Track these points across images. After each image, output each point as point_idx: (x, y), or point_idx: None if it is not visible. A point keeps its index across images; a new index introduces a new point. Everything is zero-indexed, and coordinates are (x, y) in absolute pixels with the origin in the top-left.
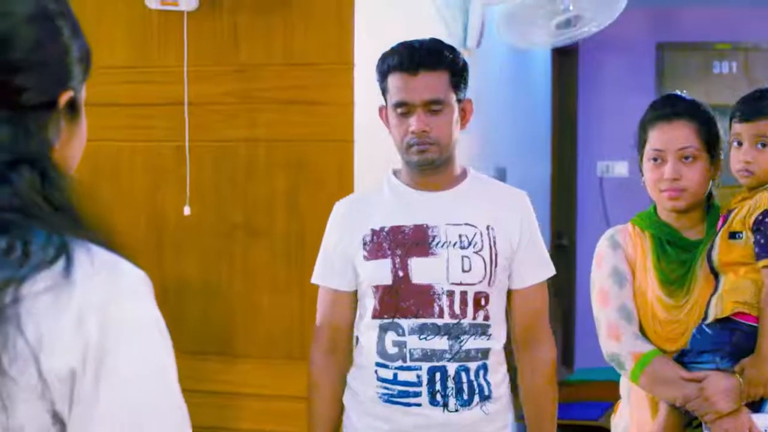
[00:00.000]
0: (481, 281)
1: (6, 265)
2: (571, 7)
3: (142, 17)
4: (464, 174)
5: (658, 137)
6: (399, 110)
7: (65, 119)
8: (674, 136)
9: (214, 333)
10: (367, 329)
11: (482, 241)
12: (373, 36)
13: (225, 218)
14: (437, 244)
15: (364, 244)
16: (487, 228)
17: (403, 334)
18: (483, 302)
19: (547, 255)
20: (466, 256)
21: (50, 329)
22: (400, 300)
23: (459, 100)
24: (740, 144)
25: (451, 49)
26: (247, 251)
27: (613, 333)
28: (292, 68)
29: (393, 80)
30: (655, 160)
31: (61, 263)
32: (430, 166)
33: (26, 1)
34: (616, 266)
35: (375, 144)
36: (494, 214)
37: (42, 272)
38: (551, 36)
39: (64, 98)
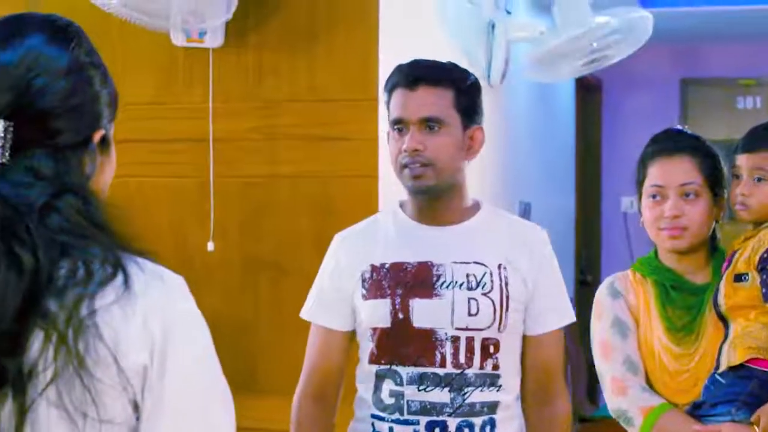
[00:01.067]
0: (489, 326)
1: (74, 284)
2: (594, 44)
3: (168, 54)
4: (477, 207)
5: (657, 173)
6: (395, 127)
7: (99, 153)
8: (675, 171)
9: (239, 369)
10: (364, 376)
11: (492, 281)
12: None
13: (249, 254)
14: (442, 284)
15: (363, 281)
16: (499, 267)
17: (401, 384)
18: (492, 350)
19: (568, 300)
20: (474, 298)
21: (123, 334)
22: (399, 345)
23: (466, 126)
24: (739, 177)
25: (462, 70)
26: (271, 287)
27: (618, 387)
28: (316, 104)
29: (393, 97)
30: (654, 197)
31: (120, 277)
32: (428, 194)
33: (62, 57)
34: (618, 316)
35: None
36: (508, 252)
37: (107, 287)
38: (576, 71)
39: (97, 136)
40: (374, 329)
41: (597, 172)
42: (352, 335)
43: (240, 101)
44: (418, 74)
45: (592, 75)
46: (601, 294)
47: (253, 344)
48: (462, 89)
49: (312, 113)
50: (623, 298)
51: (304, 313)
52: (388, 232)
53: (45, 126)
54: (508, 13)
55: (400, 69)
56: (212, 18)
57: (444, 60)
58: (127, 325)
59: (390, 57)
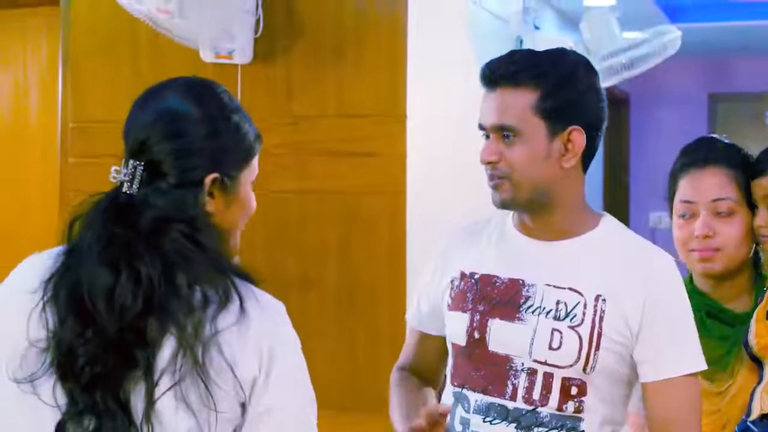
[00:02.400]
0: (571, 365)
1: (198, 305)
2: (623, 61)
3: (197, 70)
4: (595, 222)
5: (687, 187)
6: (481, 134)
7: (217, 192)
8: (706, 186)
9: None
10: (446, 396)
11: (584, 314)
12: (425, 87)
13: (277, 269)
14: (528, 308)
15: (451, 288)
16: (596, 299)
17: (469, 411)
18: (574, 391)
19: (694, 344)
20: (558, 330)
21: (238, 350)
22: (471, 368)
23: (555, 130)
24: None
25: (557, 62)
26: (298, 302)
27: (636, 424)
28: (344, 120)
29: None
30: (683, 215)
31: (237, 303)
32: (511, 209)
33: (195, 118)
34: None
35: (428, 195)
36: (613, 281)
37: (228, 311)
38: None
39: (209, 179)
40: (453, 345)
41: (625, 188)
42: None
43: (268, 117)
44: (497, 71)
45: (620, 89)
46: None
47: None
48: (549, 87)
49: (340, 129)
50: None
51: (407, 314)
52: (491, 238)
53: (157, 169)
54: (537, 28)
55: (486, 66)
56: (241, 36)
57: (470, 75)
58: (243, 343)
59: (418, 73)
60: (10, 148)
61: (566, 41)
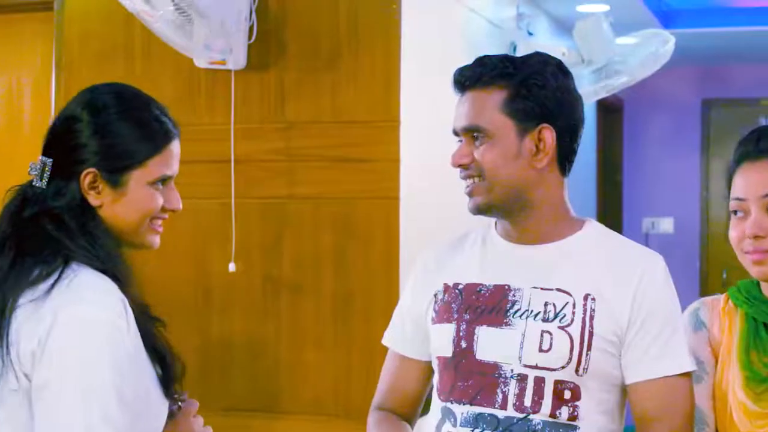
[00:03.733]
0: (563, 367)
1: (20, 282)
2: (617, 69)
3: (190, 76)
4: (578, 226)
5: (738, 182)
6: (456, 140)
7: (102, 187)
8: (757, 180)
9: (261, 390)
10: (433, 412)
11: (574, 314)
12: (419, 94)
13: (271, 275)
14: (516, 312)
15: (435, 302)
16: (585, 298)
17: (456, 425)
18: (568, 395)
19: (682, 346)
20: (548, 332)
21: (24, 323)
22: (458, 379)
23: (525, 129)
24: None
25: (524, 62)
26: (293, 308)
27: None
28: (338, 126)
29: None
30: (735, 213)
31: (50, 282)
32: (488, 213)
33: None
34: (695, 353)
35: (422, 201)
36: (601, 281)
37: (33, 288)
38: (591, 84)
39: (83, 174)
40: (438, 358)
41: (618, 193)
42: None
43: (262, 123)
44: (465, 76)
45: (613, 95)
46: (683, 322)
47: (274, 365)
48: (517, 86)
49: (334, 135)
50: (706, 330)
51: (384, 339)
52: (474, 248)
53: (54, 164)
54: (530, 34)
55: (456, 71)
56: (235, 42)
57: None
58: (31, 318)
59: (412, 79)
60: (3, 152)
61: (560, 47)
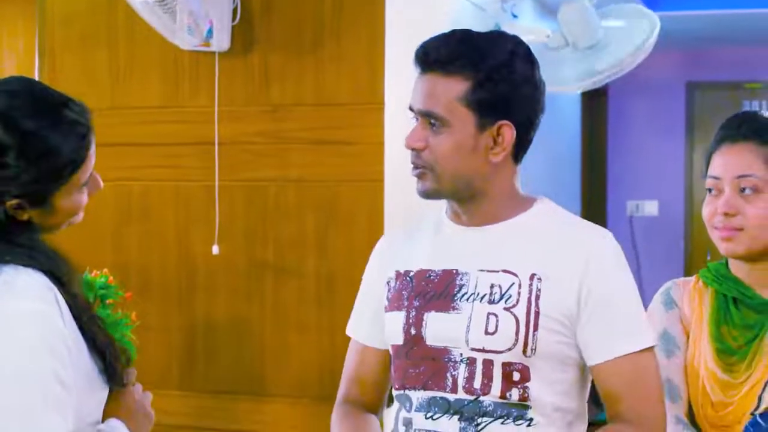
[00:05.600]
0: (510, 348)
1: None
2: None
3: (174, 58)
4: (528, 204)
5: (716, 162)
6: (411, 116)
7: (28, 208)
8: (733, 161)
9: (245, 373)
10: (394, 403)
11: (519, 294)
12: (403, 76)
13: (254, 258)
14: (463, 296)
15: (388, 290)
16: (531, 278)
17: (410, 410)
18: (516, 377)
19: (641, 321)
20: (494, 314)
21: None
22: (410, 365)
23: (484, 124)
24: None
25: (495, 49)
26: (276, 291)
27: None
28: (322, 108)
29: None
30: (710, 191)
31: None
32: (436, 199)
33: None
34: (667, 330)
35: (406, 184)
36: (547, 259)
37: None
38: (578, 80)
39: (9, 206)
40: (392, 347)
41: (603, 176)
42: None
43: (246, 105)
44: (429, 55)
45: None
46: (655, 302)
47: (258, 348)
48: (481, 79)
49: (318, 117)
50: (678, 309)
51: (347, 329)
52: (425, 234)
53: None
54: (515, 17)
55: (419, 48)
56: (219, 24)
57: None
58: None
59: (396, 61)
60: None
61: (544, 30)
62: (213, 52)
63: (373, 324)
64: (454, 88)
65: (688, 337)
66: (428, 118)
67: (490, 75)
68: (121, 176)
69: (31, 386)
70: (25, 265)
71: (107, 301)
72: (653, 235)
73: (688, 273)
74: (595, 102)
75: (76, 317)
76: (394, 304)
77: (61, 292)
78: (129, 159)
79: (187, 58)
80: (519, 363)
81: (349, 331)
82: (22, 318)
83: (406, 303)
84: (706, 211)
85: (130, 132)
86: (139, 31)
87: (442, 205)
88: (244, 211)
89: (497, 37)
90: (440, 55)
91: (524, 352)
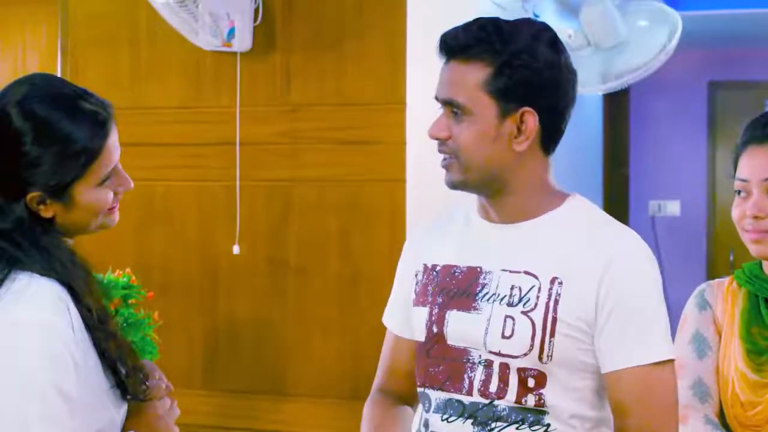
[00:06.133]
0: (525, 354)
1: None
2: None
3: (196, 58)
4: (558, 202)
5: (743, 164)
6: (438, 107)
7: (50, 202)
8: (760, 163)
9: (266, 372)
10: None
11: (538, 298)
12: (425, 75)
13: (276, 257)
14: (484, 296)
15: (416, 284)
16: (552, 281)
17: (429, 410)
18: (532, 383)
19: (662, 332)
20: (510, 317)
21: None
22: (431, 364)
23: (506, 111)
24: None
25: (517, 34)
26: (298, 290)
27: (681, 414)
28: (344, 108)
29: None
30: (739, 192)
31: None
32: (462, 190)
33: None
34: (699, 331)
35: (428, 183)
36: (570, 261)
37: None
38: (601, 82)
39: (29, 199)
40: (417, 343)
41: (625, 176)
42: None
43: (267, 105)
44: (449, 43)
45: None
46: (689, 304)
47: (279, 347)
48: (501, 64)
49: (339, 117)
50: (711, 310)
51: (383, 316)
52: (455, 228)
53: None
54: (536, 16)
55: (441, 36)
56: (240, 24)
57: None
58: None
59: (418, 60)
60: None
61: (566, 30)
62: (234, 53)
63: (404, 315)
64: (474, 74)
65: (720, 338)
66: (450, 106)
67: (511, 60)
68: (143, 176)
69: (30, 399)
70: (40, 274)
71: (130, 301)
72: (675, 235)
73: (710, 273)
74: (616, 102)
75: (90, 330)
76: (419, 299)
77: (74, 303)
78: (151, 159)
79: (209, 59)
80: (534, 369)
81: (384, 320)
82: (27, 328)
83: (430, 299)
84: (735, 213)
85: (151, 132)
86: (161, 32)
87: (467, 201)
88: (265, 210)
89: (520, 22)
90: (459, 41)
91: (540, 358)
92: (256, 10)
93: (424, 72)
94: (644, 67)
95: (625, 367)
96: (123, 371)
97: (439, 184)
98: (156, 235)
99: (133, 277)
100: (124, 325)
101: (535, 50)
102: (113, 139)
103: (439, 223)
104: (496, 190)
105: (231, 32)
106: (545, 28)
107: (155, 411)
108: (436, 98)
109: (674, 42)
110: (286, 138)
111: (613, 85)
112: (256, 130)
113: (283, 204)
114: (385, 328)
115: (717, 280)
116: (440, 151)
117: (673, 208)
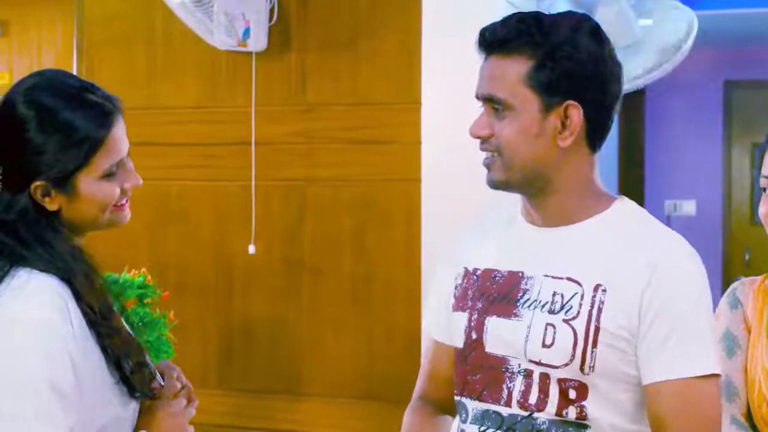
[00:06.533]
0: (566, 364)
1: None
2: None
3: (211, 58)
4: (605, 205)
5: (766, 161)
6: (479, 105)
7: (54, 193)
8: None
9: (281, 372)
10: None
11: (581, 306)
12: (440, 75)
13: (291, 257)
14: (525, 302)
15: (456, 287)
16: (596, 289)
17: (465, 421)
18: (573, 395)
19: (706, 345)
20: (552, 325)
21: None
22: (468, 372)
23: (549, 105)
24: None
25: (559, 26)
26: (313, 290)
27: None
28: (359, 108)
29: None
30: (764, 190)
31: None
32: (505, 190)
33: None
34: (730, 329)
35: (443, 182)
36: (614, 269)
37: None
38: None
39: (33, 188)
40: (455, 349)
41: (640, 176)
42: None
43: (282, 105)
44: (488, 38)
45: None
46: (722, 302)
47: (294, 346)
48: (543, 57)
49: (354, 117)
50: (741, 309)
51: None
52: (496, 229)
53: None
54: None
55: (480, 32)
56: (256, 24)
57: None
58: None
59: (432, 60)
60: None
61: None
62: (250, 53)
63: (444, 319)
64: (515, 68)
65: (749, 336)
66: (491, 102)
67: (552, 52)
68: (158, 176)
69: (25, 396)
70: (40, 270)
71: (145, 301)
72: (691, 234)
73: (725, 272)
74: (632, 101)
75: (92, 326)
76: (459, 304)
77: (75, 300)
78: (166, 159)
79: (224, 59)
80: (576, 380)
81: (425, 325)
82: (24, 325)
83: (470, 304)
84: (761, 210)
85: (167, 132)
86: (177, 32)
87: (491, 201)
88: (280, 210)
89: (565, 15)
90: (498, 35)
91: (581, 369)
92: (271, 10)
93: (439, 71)
94: (660, 67)
95: (665, 379)
96: (127, 367)
97: (454, 184)
98: (171, 234)
99: (149, 277)
100: (140, 324)
101: (577, 41)
102: (119, 132)
103: (481, 225)
104: (539, 189)
105: (246, 32)
106: (586, 18)
107: (169, 410)
108: (477, 96)
109: (690, 41)
110: (301, 138)
111: (629, 86)
112: (271, 130)
113: (298, 203)
114: (399, 326)
115: (750, 277)
116: (482, 149)
117: (688, 207)
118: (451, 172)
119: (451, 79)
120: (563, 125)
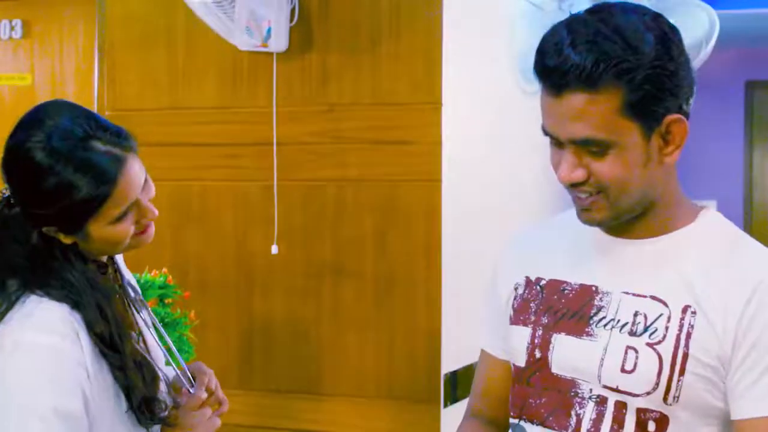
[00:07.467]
0: (649, 393)
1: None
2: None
3: (233, 58)
4: (691, 217)
5: None
6: (547, 139)
7: (65, 235)
8: None
9: (303, 372)
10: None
11: (667, 329)
12: (461, 74)
13: (313, 258)
14: (600, 320)
15: (514, 298)
16: (684, 311)
17: None
18: (652, 427)
19: None
20: (633, 348)
21: None
22: (530, 394)
23: (651, 126)
24: None
25: (638, 42)
26: (335, 291)
27: None
28: (380, 108)
29: (540, 97)
30: None
31: (5, 307)
32: (609, 225)
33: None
34: None
35: (464, 183)
36: (706, 289)
37: None
38: None
39: (46, 230)
40: (513, 367)
41: None
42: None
43: (303, 105)
44: (563, 71)
45: None
46: None
47: (316, 347)
48: (636, 82)
49: (375, 117)
50: None
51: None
52: (564, 236)
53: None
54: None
55: (539, 58)
56: (277, 24)
57: (506, 62)
58: None
59: (454, 60)
60: None
61: None
62: (271, 53)
63: (500, 333)
64: (607, 103)
65: None
66: (587, 146)
67: (649, 76)
68: (179, 176)
69: (29, 420)
70: (50, 298)
71: (166, 301)
72: None
73: None
74: None
75: (102, 355)
76: (519, 317)
77: (86, 328)
78: (187, 159)
79: (246, 59)
80: (657, 411)
81: (479, 338)
82: (31, 350)
83: (533, 318)
84: None
85: (188, 132)
86: (198, 32)
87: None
88: (302, 210)
89: (632, 27)
90: (580, 68)
91: (665, 399)
92: (292, 11)
93: (460, 71)
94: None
95: (757, 416)
96: (135, 401)
97: (475, 184)
98: (193, 234)
99: (170, 277)
100: (161, 325)
101: (668, 52)
102: (128, 176)
103: (544, 229)
104: (642, 210)
105: (268, 32)
106: (658, 18)
107: (192, 421)
108: (557, 138)
109: (712, 41)
110: (322, 138)
111: None
112: (292, 130)
113: (320, 204)
114: (420, 328)
115: None
116: (580, 193)
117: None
118: (471, 172)
119: (471, 79)
120: (665, 141)
